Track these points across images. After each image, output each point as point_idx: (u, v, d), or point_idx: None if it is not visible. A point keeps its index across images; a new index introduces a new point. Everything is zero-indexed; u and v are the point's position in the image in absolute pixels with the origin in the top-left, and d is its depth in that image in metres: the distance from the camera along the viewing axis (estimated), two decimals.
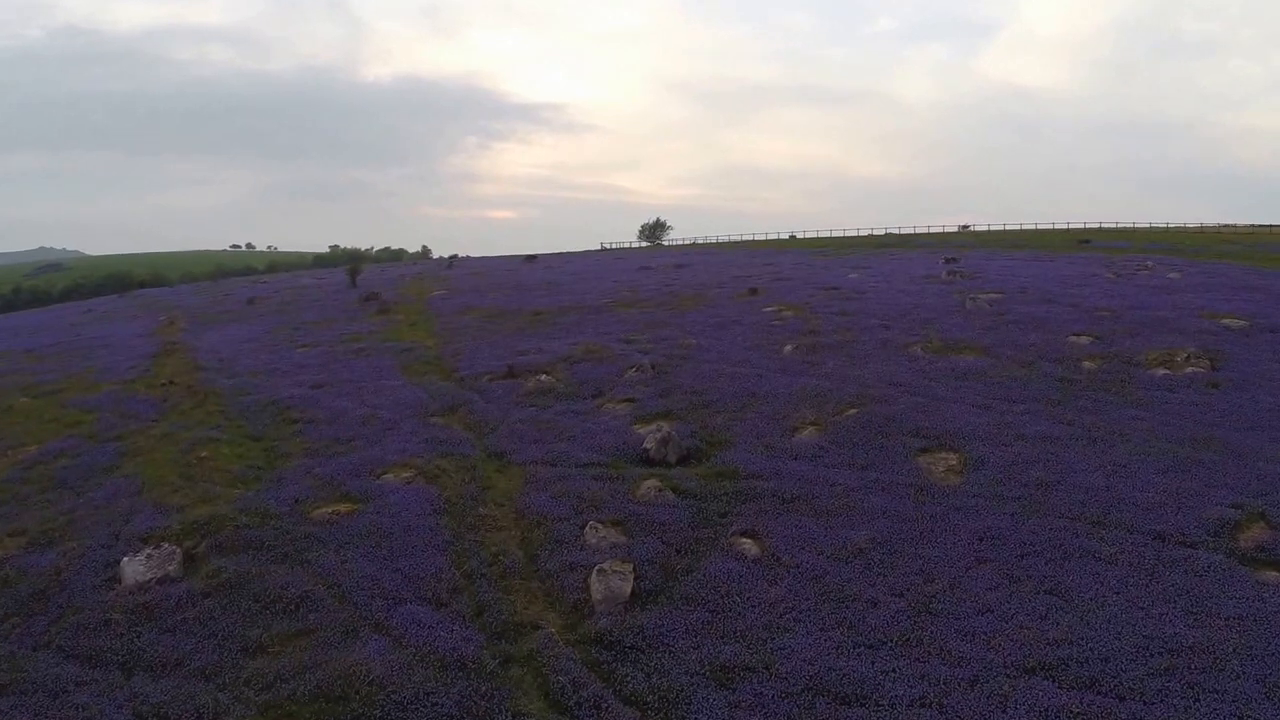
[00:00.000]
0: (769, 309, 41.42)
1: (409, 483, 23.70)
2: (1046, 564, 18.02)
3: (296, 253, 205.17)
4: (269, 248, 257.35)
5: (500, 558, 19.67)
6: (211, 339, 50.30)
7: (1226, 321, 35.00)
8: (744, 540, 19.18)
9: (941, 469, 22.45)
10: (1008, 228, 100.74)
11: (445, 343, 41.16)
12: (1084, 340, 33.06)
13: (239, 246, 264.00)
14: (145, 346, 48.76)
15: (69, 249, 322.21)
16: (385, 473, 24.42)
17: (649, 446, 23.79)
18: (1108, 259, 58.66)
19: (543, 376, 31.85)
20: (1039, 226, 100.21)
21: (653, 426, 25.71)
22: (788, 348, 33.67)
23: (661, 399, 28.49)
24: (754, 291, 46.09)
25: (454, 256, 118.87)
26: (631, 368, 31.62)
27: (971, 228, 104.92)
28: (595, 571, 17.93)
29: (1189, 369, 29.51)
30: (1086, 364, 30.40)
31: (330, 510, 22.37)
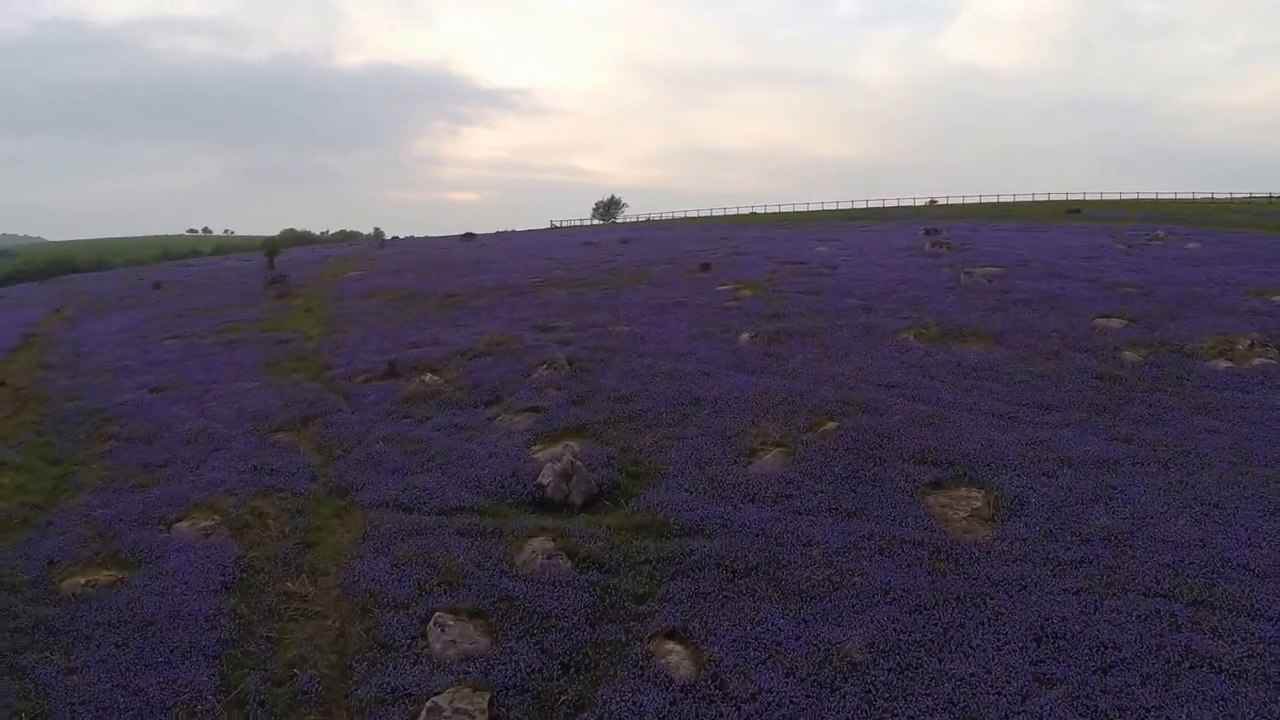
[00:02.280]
0: (723, 288, 34.33)
1: (207, 535, 16.81)
2: (1144, 685, 11.30)
3: (246, 236, 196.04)
4: (226, 231, 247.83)
5: (296, 672, 12.68)
6: (88, 329, 43.68)
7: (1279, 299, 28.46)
8: (670, 647, 12.22)
9: (963, 514, 15.60)
10: (984, 200, 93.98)
11: (332, 332, 33.85)
12: (1116, 323, 26.37)
13: (195, 231, 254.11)
14: (12, 339, 41.70)
15: (30, 235, 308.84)
16: (182, 519, 17.54)
17: (545, 482, 16.74)
18: (1110, 229, 52.19)
19: (429, 376, 24.64)
20: (1017, 198, 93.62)
21: (557, 449, 18.67)
22: (744, 336, 26.62)
23: (574, 407, 21.36)
24: (706, 268, 38.97)
25: (394, 236, 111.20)
26: (543, 364, 24.47)
27: (938, 202, 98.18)
28: (426, 710, 10.99)
29: (1256, 360, 22.91)
30: (1127, 355, 23.70)
31: (86, 580, 15.71)
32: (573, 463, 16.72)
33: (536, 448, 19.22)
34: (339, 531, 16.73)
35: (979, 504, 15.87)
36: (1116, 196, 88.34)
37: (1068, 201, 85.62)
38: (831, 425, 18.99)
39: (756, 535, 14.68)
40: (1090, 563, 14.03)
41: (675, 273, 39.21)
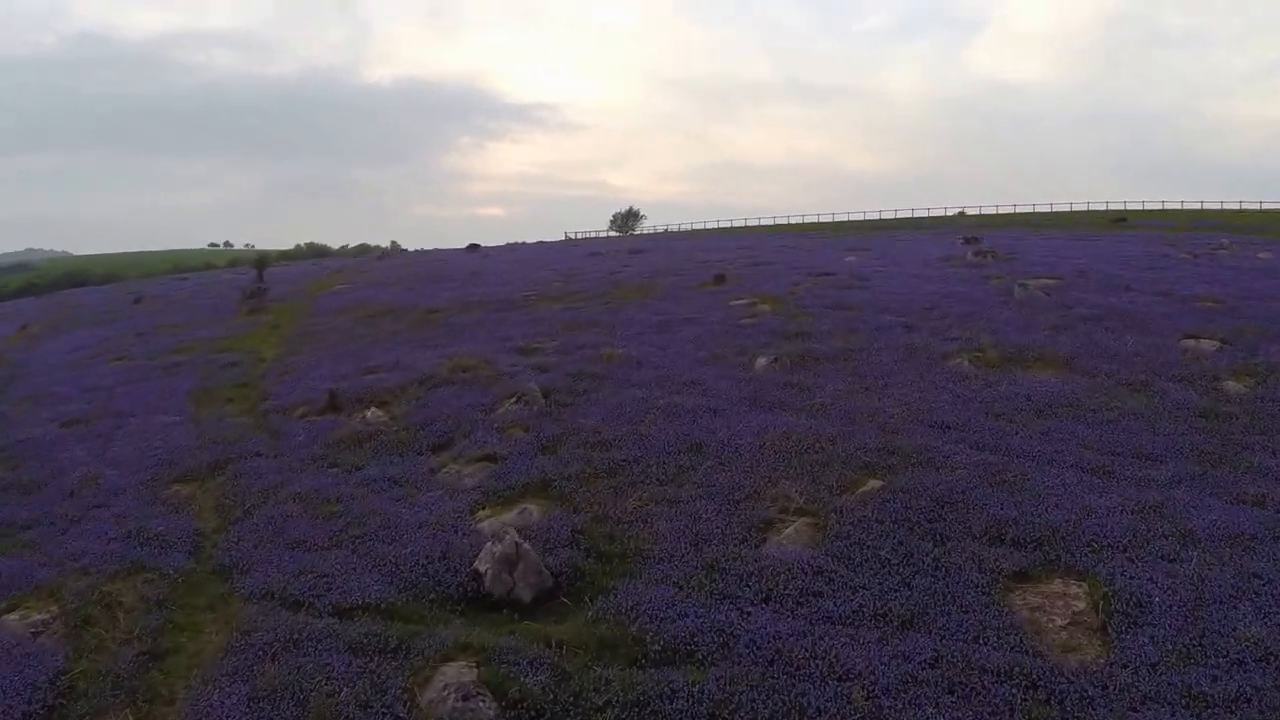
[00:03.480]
0: (738, 302, 29.86)
1: (35, 634, 12.62)
2: None
3: (263, 251, 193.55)
4: (246, 245, 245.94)
5: None
6: (46, 348, 40.44)
7: None
8: None
9: (1061, 622, 11.09)
10: (1018, 210, 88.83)
11: (289, 353, 29.64)
12: (1207, 345, 21.83)
13: (217, 245, 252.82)
14: None
15: (57, 250, 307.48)
16: (14, 607, 13.40)
17: (483, 569, 12.32)
18: (1165, 238, 47.44)
19: (371, 411, 20.30)
20: (1055, 208, 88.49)
21: (510, 515, 14.27)
22: (761, 361, 22.11)
23: (542, 456, 16.89)
24: (720, 279, 34.48)
25: (403, 249, 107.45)
26: (512, 396, 20.05)
27: (967, 213, 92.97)
28: None
29: None
30: (1230, 385, 19.16)
31: None
32: (518, 546, 12.25)
33: (484, 513, 14.76)
34: (206, 632, 12.38)
35: (1081, 605, 11.36)
36: (1158, 206, 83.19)
37: (1110, 210, 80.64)
38: (874, 484, 14.46)
39: (771, 662, 10.17)
40: (1249, 700, 9.54)
41: (685, 285, 34.74)
